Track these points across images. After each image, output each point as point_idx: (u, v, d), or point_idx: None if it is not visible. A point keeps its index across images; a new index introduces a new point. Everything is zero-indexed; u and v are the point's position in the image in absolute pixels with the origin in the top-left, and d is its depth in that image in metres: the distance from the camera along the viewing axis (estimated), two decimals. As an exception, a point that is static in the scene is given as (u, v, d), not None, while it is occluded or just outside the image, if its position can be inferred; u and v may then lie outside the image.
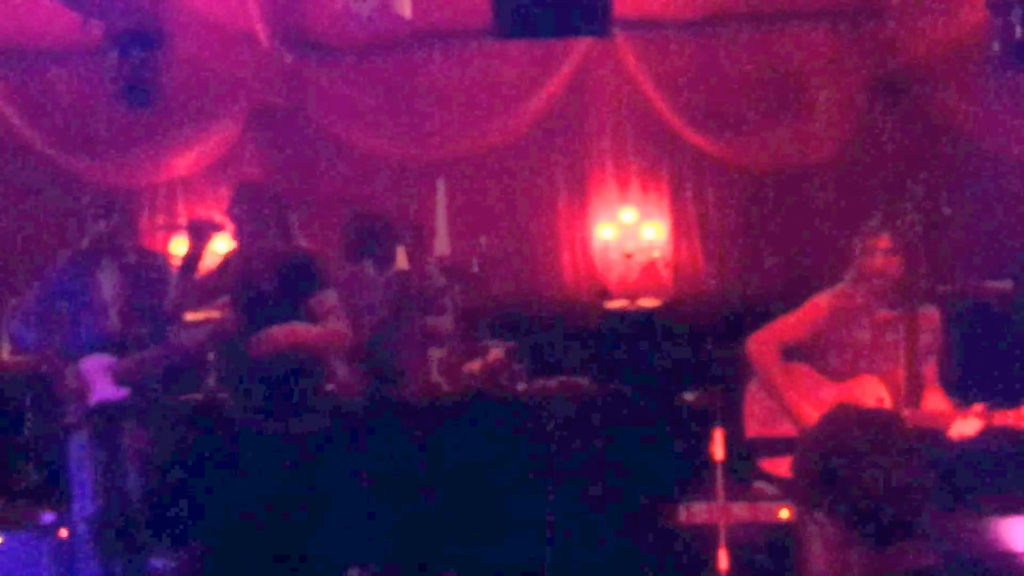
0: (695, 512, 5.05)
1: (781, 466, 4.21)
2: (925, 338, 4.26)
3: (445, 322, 6.16)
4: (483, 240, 7.32)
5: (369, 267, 5.62)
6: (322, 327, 4.56)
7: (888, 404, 4.06)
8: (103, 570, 4.96)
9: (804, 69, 8.01)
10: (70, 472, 4.97)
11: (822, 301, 4.27)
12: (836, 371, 4.23)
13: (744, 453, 4.48)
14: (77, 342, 4.95)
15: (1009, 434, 4.22)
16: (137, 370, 4.88)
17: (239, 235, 4.60)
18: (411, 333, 5.77)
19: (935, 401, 4.24)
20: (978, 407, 4.12)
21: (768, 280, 8.01)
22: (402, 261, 5.83)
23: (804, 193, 8.16)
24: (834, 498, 2.28)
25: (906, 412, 4.08)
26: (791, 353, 4.30)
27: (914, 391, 4.15)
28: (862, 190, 7.89)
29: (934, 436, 4.06)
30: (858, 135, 7.97)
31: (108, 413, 4.85)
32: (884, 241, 4.19)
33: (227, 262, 4.79)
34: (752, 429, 4.32)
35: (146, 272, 5.01)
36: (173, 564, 5.27)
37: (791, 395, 4.14)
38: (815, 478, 2.32)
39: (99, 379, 4.88)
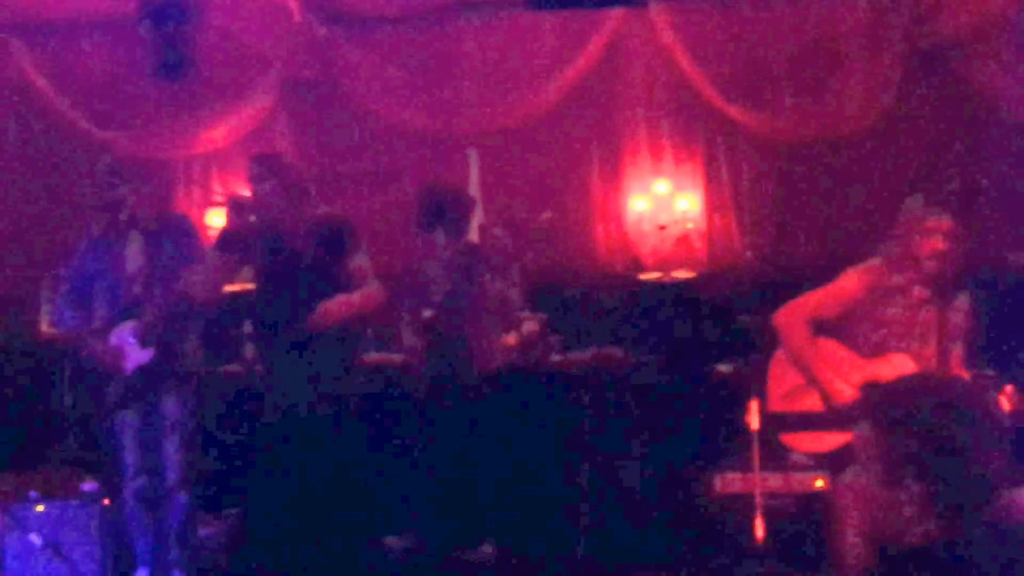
0: (730, 482, 5.14)
1: (804, 441, 4.24)
2: (955, 320, 4.27)
3: (513, 293, 6.24)
4: (547, 214, 7.37)
5: (440, 237, 5.69)
6: (361, 291, 4.66)
7: None
8: (152, 541, 5.14)
9: (840, 39, 7.98)
10: (118, 447, 5.10)
11: (855, 277, 4.24)
12: (866, 349, 4.22)
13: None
14: (110, 316, 5.03)
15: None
16: (154, 325, 4.90)
17: (267, 206, 4.62)
18: (479, 304, 5.85)
19: None
20: (1008, 389, 4.14)
21: (803, 252, 8.03)
22: (474, 234, 5.91)
23: (840, 165, 8.15)
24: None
25: None
26: (818, 328, 4.29)
27: (944, 372, 4.15)
28: (898, 162, 7.89)
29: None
30: (895, 106, 7.95)
31: (148, 385, 4.97)
32: (946, 224, 4.15)
33: (245, 235, 4.74)
34: (775, 404, 4.34)
35: (170, 236, 5.03)
36: (216, 533, 5.42)
37: (822, 370, 4.14)
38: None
39: (129, 346, 4.97)
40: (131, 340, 4.94)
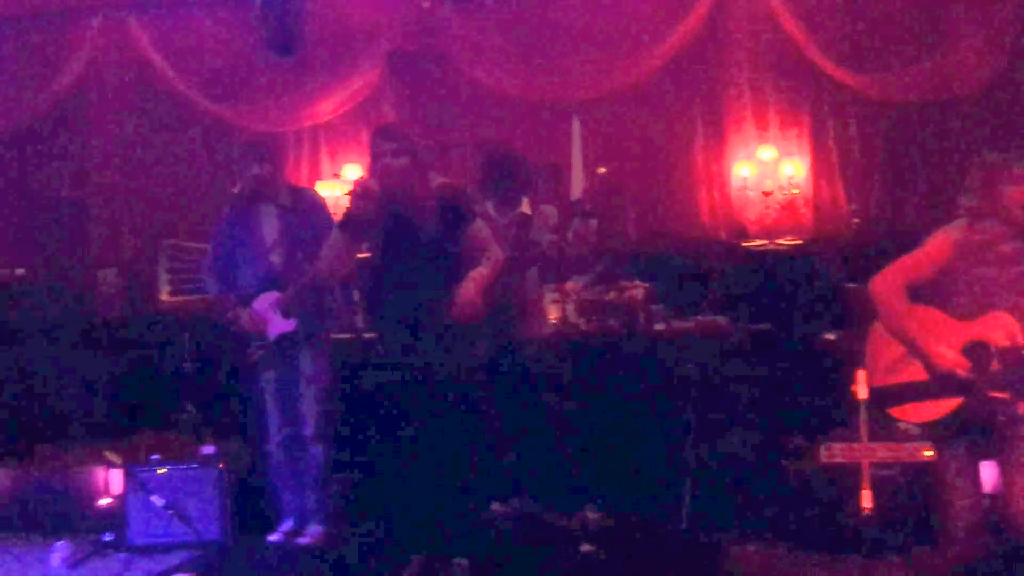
0: (837, 451, 5.02)
1: (911, 412, 4.13)
2: None
3: (578, 285, 6.23)
4: (603, 169, 7.30)
5: (490, 208, 5.68)
6: (488, 262, 4.68)
7: (1022, 339, 3.93)
8: (290, 493, 5.36)
9: (952, -1, 7.72)
10: (261, 405, 5.34)
11: (946, 236, 4.09)
12: (963, 310, 4.08)
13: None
14: (249, 284, 5.29)
15: None
16: (297, 299, 5.19)
17: (400, 179, 4.62)
18: (529, 276, 5.84)
19: None
20: None
21: (911, 218, 7.81)
22: (526, 207, 5.88)
23: (950, 127, 7.89)
24: None
25: None
26: (914, 296, 4.17)
27: None
28: (1009, 123, 7.59)
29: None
30: (1006, 67, 7.65)
31: (286, 345, 5.22)
32: None
33: (369, 219, 4.72)
34: (877, 379, 4.22)
35: (302, 209, 5.29)
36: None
37: (921, 336, 4.02)
38: None
39: (271, 315, 5.23)
40: (274, 310, 5.22)
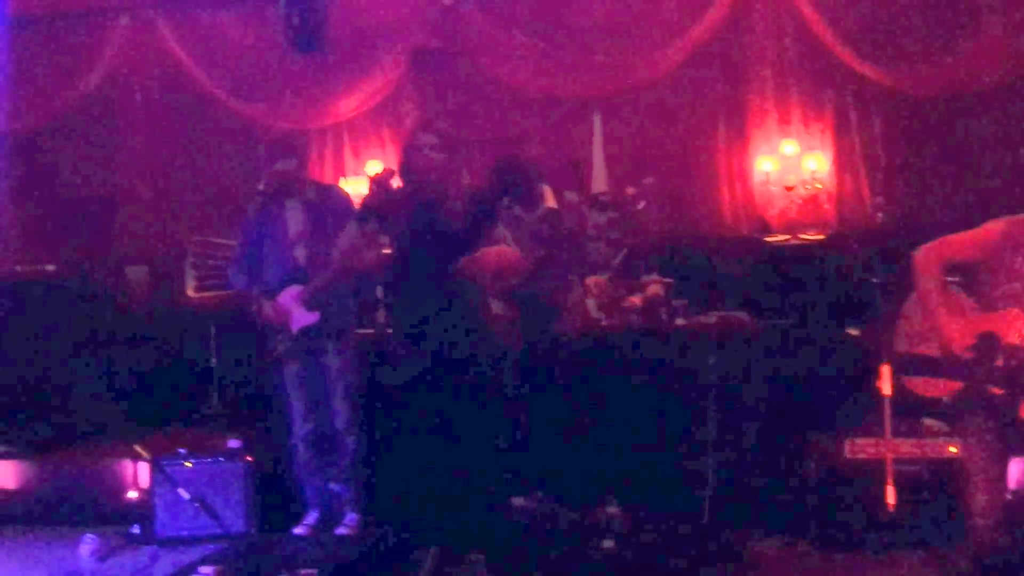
0: (861, 447, 5.00)
1: (920, 385, 4.13)
2: None
3: (602, 281, 6.22)
4: (649, 180, 7.29)
5: (517, 209, 5.69)
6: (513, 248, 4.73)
7: None
8: (321, 484, 5.41)
9: (975, -10, 7.63)
10: (285, 398, 5.41)
11: (997, 225, 4.11)
12: (993, 302, 4.09)
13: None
14: (274, 278, 5.36)
15: None
16: (320, 292, 5.25)
17: (439, 176, 4.64)
18: (563, 271, 5.83)
19: None
20: None
21: (935, 214, 7.73)
22: (550, 199, 5.88)
23: (975, 121, 7.80)
24: None
25: None
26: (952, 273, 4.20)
27: None
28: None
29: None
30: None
31: (309, 339, 5.27)
32: None
33: (387, 208, 4.76)
34: (900, 345, 4.24)
35: (327, 205, 5.35)
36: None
37: (943, 314, 4.05)
38: None
39: (295, 308, 5.29)
40: (298, 304, 5.28)
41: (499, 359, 5.09)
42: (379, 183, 4.56)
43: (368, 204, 4.60)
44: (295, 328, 5.30)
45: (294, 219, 5.35)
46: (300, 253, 5.32)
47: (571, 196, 6.18)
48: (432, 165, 4.63)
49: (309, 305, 5.26)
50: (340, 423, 5.32)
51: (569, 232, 5.91)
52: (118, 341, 7.28)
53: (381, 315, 6.48)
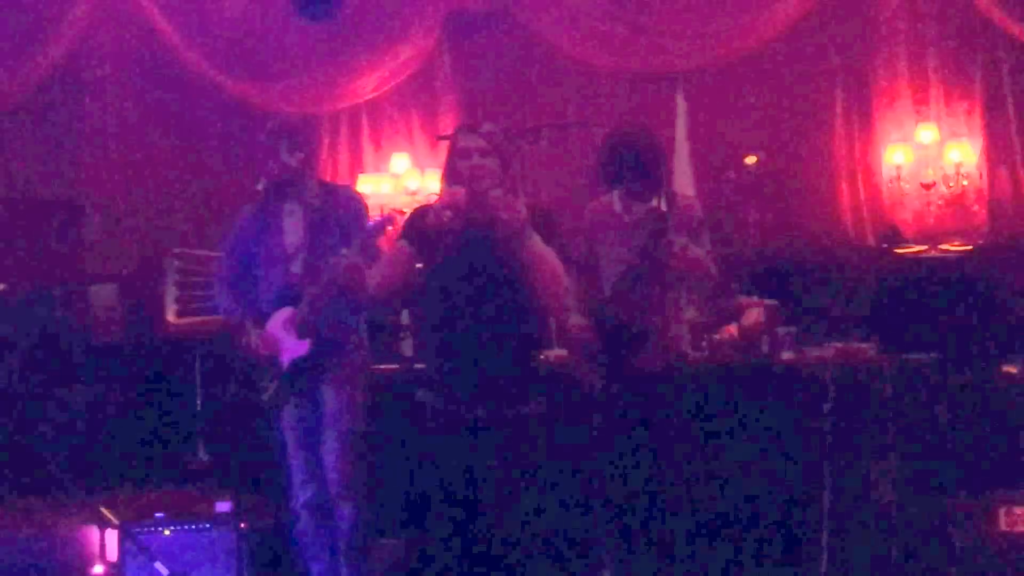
0: (1019, 517, 4.96)
1: None
2: None
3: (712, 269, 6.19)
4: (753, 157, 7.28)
5: (615, 202, 5.67)
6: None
7: None
8: (322, 566, 5.35)
9: None
10: (284, 452, 5.33)
11: None
12: None
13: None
14: (265, 299, 5.30)
15: None
16: (310, 315, 5.15)
17: (480, 180, 4.66)
18: (660, 286, 5.79)
19: None
20: None
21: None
22: (658, 201, 5.86)
23: None
24: None
25: None
26: None
27: None
28: None
29: None
30: None
31: (304, 379, 5.20)
32: None
33: (448, 223, 4.77)
34: None
35: (333, 211, 5.28)
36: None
37: None
38: None
39: (285, 336, 5.21)
40: (288, 330, 5.20)
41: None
42: (451, 204, 4.59)
43: (433, 227, 4.61)
44: (285, 360, 5.21)
45: (292, 227, 5.30)
46: (296, 268, 5.25)
47: (688, 195, 6.20)
48: (482, 173, 4.65)
49: (300, 332, 5.18)
50: (334, 484, 5.20)
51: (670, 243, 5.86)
52: (81, 377, 7.36)
53: (408, 346, 6.51)
